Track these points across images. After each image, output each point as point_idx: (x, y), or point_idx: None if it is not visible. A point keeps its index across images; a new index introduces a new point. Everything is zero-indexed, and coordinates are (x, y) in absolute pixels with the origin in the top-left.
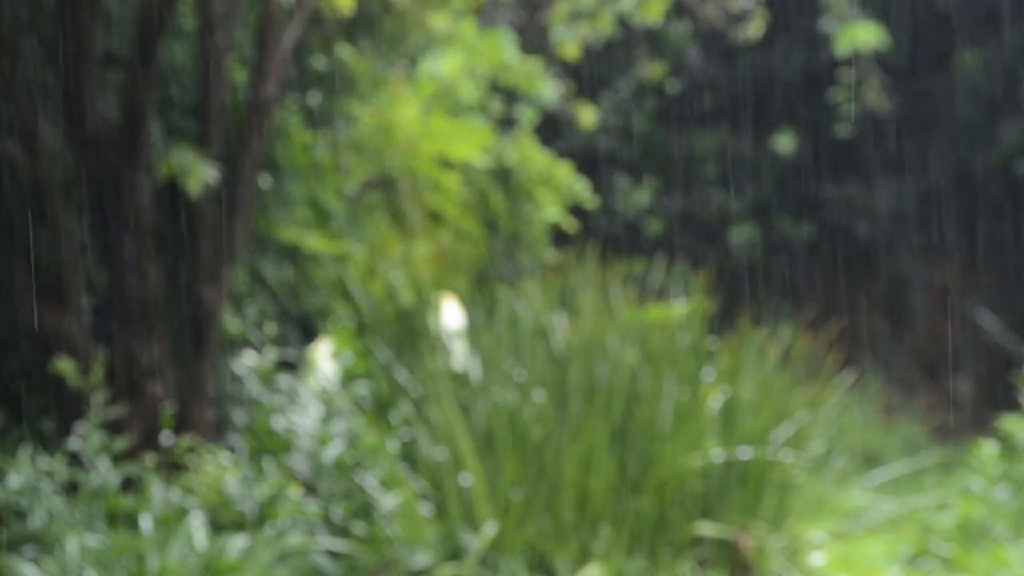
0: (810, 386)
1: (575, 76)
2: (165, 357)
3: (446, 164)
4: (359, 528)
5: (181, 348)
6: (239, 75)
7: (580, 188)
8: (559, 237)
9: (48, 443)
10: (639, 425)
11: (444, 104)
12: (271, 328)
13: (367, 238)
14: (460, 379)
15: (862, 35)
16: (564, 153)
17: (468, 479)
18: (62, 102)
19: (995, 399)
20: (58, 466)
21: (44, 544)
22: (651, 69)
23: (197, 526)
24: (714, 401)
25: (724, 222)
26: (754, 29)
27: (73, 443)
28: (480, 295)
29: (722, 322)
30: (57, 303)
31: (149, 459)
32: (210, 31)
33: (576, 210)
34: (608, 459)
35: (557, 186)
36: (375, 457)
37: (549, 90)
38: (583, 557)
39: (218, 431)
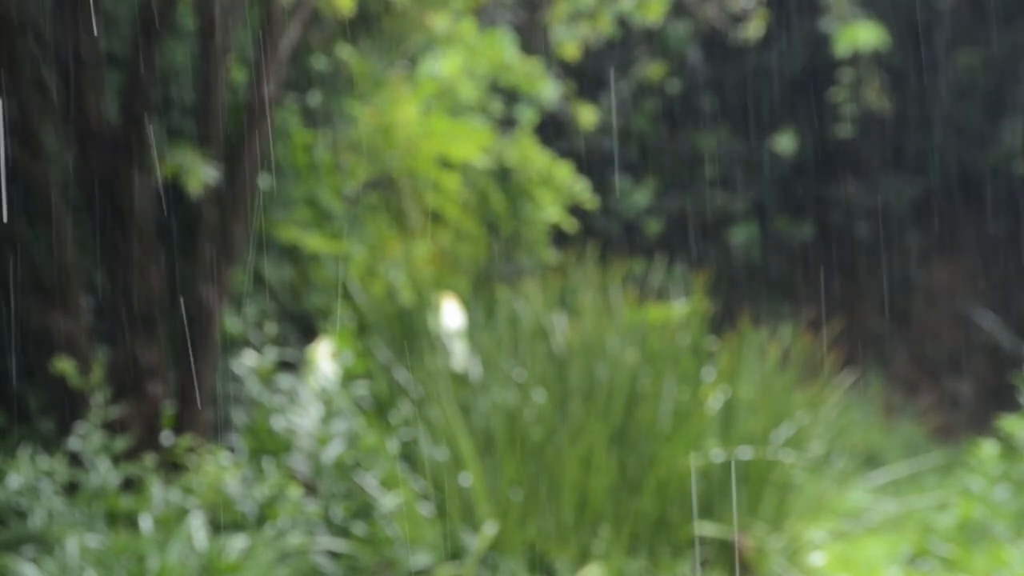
0: (810, 386)
1: (575, 76)
2: (165, 357)
3: (446, 164)
4: (359, 528)
5: (181, 348)
6: (239, 75)
7: (580, 188)
8: (559, 237)
9: (48, 443)
10: (639, 425)
11: (444, 104)
12: (271, 328)
13: (367, 238)
14: (460, 379)
15: (862, 35)
16: (564, 153)
17: (468, 479)
18: (62, 102)
19: (995, 399)
20: (58, 466)
21: (44, 544)
22: (651, 69)
23: (197, 526)
24: (714, 401)
25: (724, 222)
26: (754, 29)
27: (73, 443)
28: (480, 295)
29: (722, 322)
30: (57, 303)
31: (149, 459)
32: (210, 31)
33: (576, 210)
34: (608, 459)
35: (557, 186)
36: (375, 457)
37: (549, 90)
38: (583, 557)
39: (218, 431)
